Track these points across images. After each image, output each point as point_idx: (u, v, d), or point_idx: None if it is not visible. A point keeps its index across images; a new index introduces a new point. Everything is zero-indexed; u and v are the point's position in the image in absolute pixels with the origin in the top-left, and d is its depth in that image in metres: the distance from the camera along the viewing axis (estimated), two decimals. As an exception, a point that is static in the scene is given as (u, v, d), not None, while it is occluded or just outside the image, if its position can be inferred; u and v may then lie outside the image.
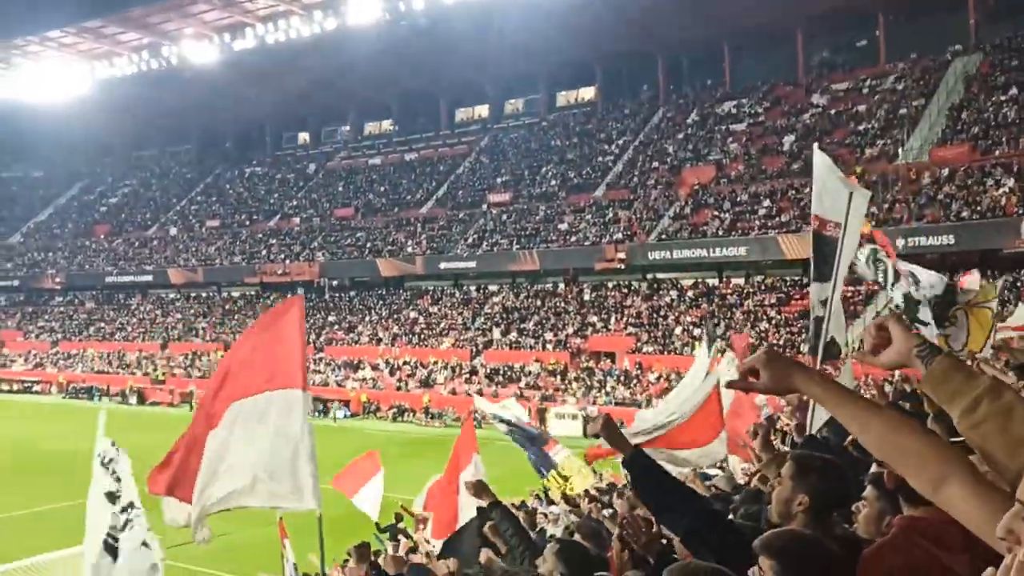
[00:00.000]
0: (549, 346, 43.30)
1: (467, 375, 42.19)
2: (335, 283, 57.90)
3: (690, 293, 43.93)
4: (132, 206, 76.41)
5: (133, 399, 46.90)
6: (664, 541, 4.04)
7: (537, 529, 10.50)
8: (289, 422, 5.54)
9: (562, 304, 47.07)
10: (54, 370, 54.99)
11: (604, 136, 57.30)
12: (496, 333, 46.22)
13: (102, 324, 62.18)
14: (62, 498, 23.08)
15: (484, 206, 55.26)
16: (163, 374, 49.94)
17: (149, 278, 64.11)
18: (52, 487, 24.33)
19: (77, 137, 78.82)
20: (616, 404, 34.97)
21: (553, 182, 54.96)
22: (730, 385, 2.11)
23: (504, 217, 53.26)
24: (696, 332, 39.92)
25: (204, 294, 62.84)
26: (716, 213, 44.55)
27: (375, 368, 45.18)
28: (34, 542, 17.05)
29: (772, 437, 5.66)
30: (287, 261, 58.11)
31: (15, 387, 53.18)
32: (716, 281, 44.34)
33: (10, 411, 43.47)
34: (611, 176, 53.00)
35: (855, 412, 1.75)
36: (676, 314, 42.36)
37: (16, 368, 56.98)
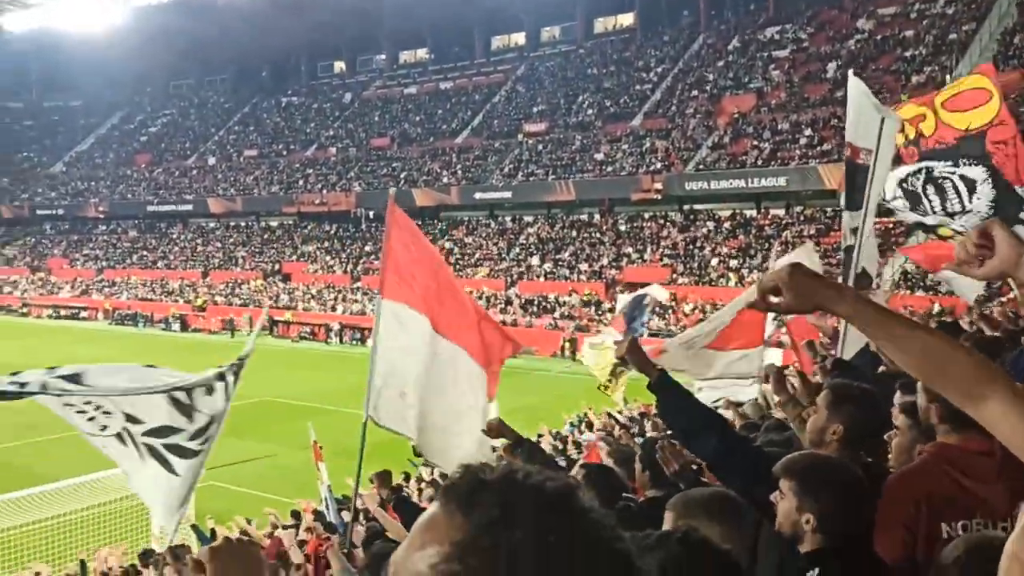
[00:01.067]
0: (584, 277, 43.32)
1: (501, 305, 42.45)
2: (371, 213, 58.07)
3: (727, 224, 43.52)
4: (171, 136, 76.93)
5: (176, 326, 47.91)
6: (695, 467, 4.10)
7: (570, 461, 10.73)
8: (476, 390, 5.53)
9: (597, 235, 46.92)
10: (100, 297, 56.23)
11: (642, 64, 56.23)
12: (531, 264, 46.31)
13: (145, 252, 63.24)
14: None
15: (519, 136, 54.81)
16: (204, 302, 50.87)
17: (189, 207, 64.87)
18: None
19: (115, 67, 78.93)
20: (650, 335, 35.02)
21: (589, 111, 54.26)
22: (751, 307, 2.10)
23: (540, 147, 52.86)
24: (732, 264, 39.72)
25: (243, 223, 63.50)
26: (755, 143, 43.81)
27: (411, 298, 45.55)
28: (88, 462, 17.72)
29: (789, 376, 5.62)
30: (324, 191, 58.39)
31: (63, 313, 54.51)
32: (754, 212, 43.84)
33: (60, 336, 44.72)
34: (649, 105, 52.17)
35: (891, 330, 1.63)
36: (712, 245, 42.07)
37: (63, 295, 58.36)
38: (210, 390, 5.47)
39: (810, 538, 2.43)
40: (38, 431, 22.56)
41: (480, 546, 0.90)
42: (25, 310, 56.43)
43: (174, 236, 64.96)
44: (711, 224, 44.05)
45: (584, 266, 44.19)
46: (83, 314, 53.84)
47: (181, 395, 5.30)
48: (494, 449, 5.50)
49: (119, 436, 5.17)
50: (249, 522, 11.07)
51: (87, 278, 60.56)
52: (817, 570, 2.35)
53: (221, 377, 5.50)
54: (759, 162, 42.29)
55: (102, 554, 10.13)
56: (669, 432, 5.33)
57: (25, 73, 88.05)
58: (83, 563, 10.64)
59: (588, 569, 0.91)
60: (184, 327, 47.76)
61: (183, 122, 78.40)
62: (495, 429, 5.29)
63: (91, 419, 5.20)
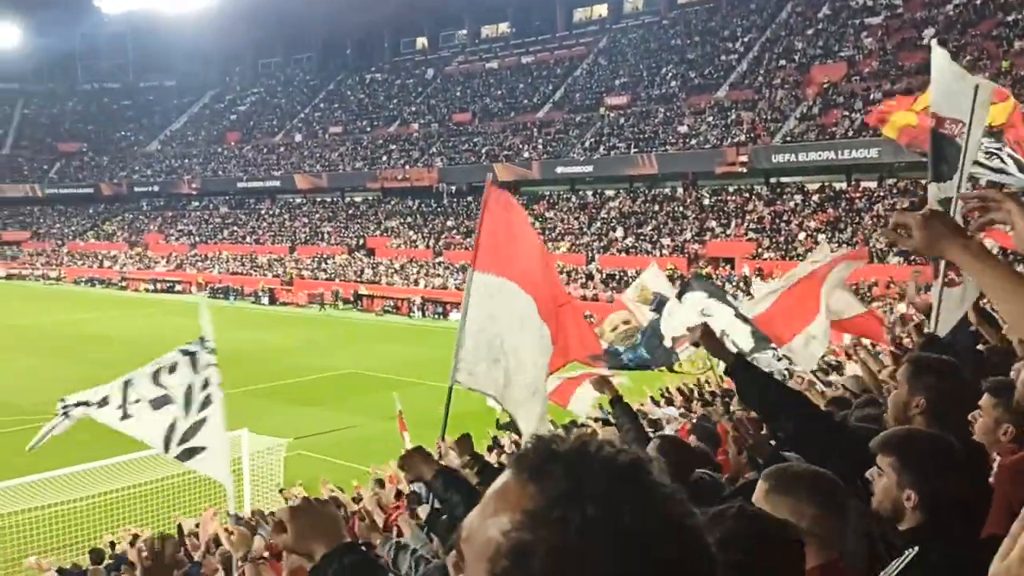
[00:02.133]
0: (666, 251, 42.81)
1: (582, 280, 42.31)
2: (453, 189, 58.49)
3: (816, 197, 42.35)
4: (259, 113, 78.76)
5: (265, 299, 49.26)
6: (773, 443, 4.05)
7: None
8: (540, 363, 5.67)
9: (680, 209, 46.26)
10: (193, 271, 58.21)
11: (728, 34, 54.92)
12: (612, 238, 45.98)
13: (235, 228, 65.09)
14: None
15: (601, 109, 54.29)
16: (291, 276, 52.17)
17: (277, 183, 66.42)
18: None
19: (206, 47, 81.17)
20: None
21: (673, 83, 53.35)
22: (882, 234, 2.03)
23: (622, 120, 52.28)
24: (820, 238, 38.67)
25: (328, 199, 64.74)
26: (846, 113, 42.42)
27: (492, 272, 45.76)
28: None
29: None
30: (406, 167, 59.00)
31: (159, 287, 56.64)
32: (844, 185, 42.55)
33: (155, 309, 46.51)
34: (734, 76, 50.99)
35: (1013, 285, 1.54)
36: (800, 219, 41.03)
37: (159, 269, 60.62)
38: (172, 369, 6.09)
39: (910, 515, 2.34)
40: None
41: (551, 516, 0.90)
42: (124, 283, 58.88)
43: (263, 212, 66.65)
44: (799, 197, 42.94)
45: (666, 240, 43.67)
46: (177, 287, 55.82)
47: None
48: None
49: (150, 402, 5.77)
50: (341, 490, 11.37)
51: (181, 253, 62.71)
52: (916, 548, 2.28)
53: (186, 353, 6.16)
54: (850, 133, 40.97)
55: (207, 516, 10.45)
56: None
57: (122, 54, 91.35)
58: (180, 527, 11.06)
59: (658, 544, 0.90)
60: (272, 300, 49.07)
61: (271, 100, 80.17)
62: (597, 383, 5.51)
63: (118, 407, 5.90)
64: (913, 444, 2.41)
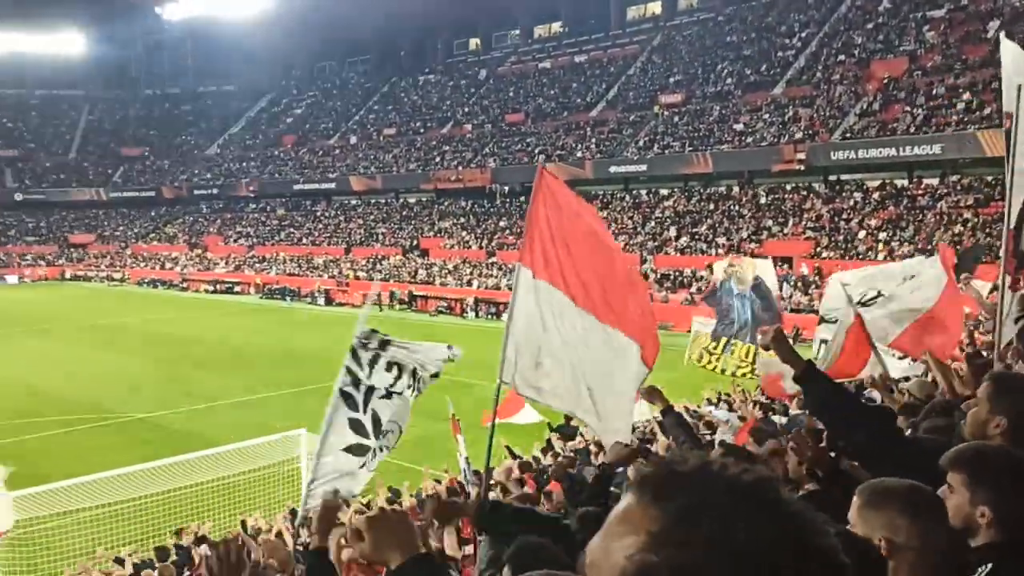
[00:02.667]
0: (721, 251, 42.25)
1: (637, 280, 41.99)
2: (506, 189, 58.60)
3: (876, 195, 41.45)
4: (315, 117, 79.85)
5: (321, 300, 49.90)
6: (833, 455, 3.95)
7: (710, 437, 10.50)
8: (628, 365, 5.46)
9: (736, 207, 45.68)
10: (251, 272, 59.24)
11: (785, 29, 54.09)
12: (666, 238, 45.59)
13: (292, 229, 66.08)
14: (275, 387, 25.21)
15: (655, 108, 53.90)
16: (347, 277, 52.78)
17: (332, 185, 67.25)
18: (266, 377, 26.59)
19: (264, 52, 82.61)
20: (792, 311, 33.90)
21: (728, 80, 52.72)
22: None
23: (676, 118, 51.83)
24: (881, 236, 37.86)
25: (383, 200, 65.34)
26: (908, 109, 41.46)
27: (546, 272, 45.71)
28: (250, 424, 18.74)
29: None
30: (460, 168, 59.26)
31: (219, 287, 57.76)
32: (906, 182, 41.58)
33: (215, 310, 47.45)
34: (792, 72, 50.20)
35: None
36: (860, 217, 40.19)
37: (218, 270, 61.84)
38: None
39: (984, 532, 2.26)
40: (193, 399, 24.02)
41: (676, 538, 0.89)
42: (184, 285, 60.18)
43: (318, 213, 67.54)
44: (858, 195, 42.08)
45: (722, 240, 43.15)
46: (236, 288, 56.86)
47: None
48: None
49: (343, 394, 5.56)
50: (394, 491, 11.44)
51: (239, 254, 63.87)
52: (990, 566, 2.20)
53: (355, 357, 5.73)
54: (911, 129, 40.03)
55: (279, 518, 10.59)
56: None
57: (183, 60, 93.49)
58: (243, 523, 11.24)
59: (786, 564, 0.88)
60: (328, 301, 49.68)
61: (326, 103, 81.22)
62: (647, 393, 5.40)
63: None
64: (986, 461, 2.32)
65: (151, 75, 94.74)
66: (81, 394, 25.00)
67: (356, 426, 5.57)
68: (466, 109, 67.48)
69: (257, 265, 60.65)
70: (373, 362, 5.55)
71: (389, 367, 5.63)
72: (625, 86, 59.07)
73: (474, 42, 77.23)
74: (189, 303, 51.44)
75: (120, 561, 9.79)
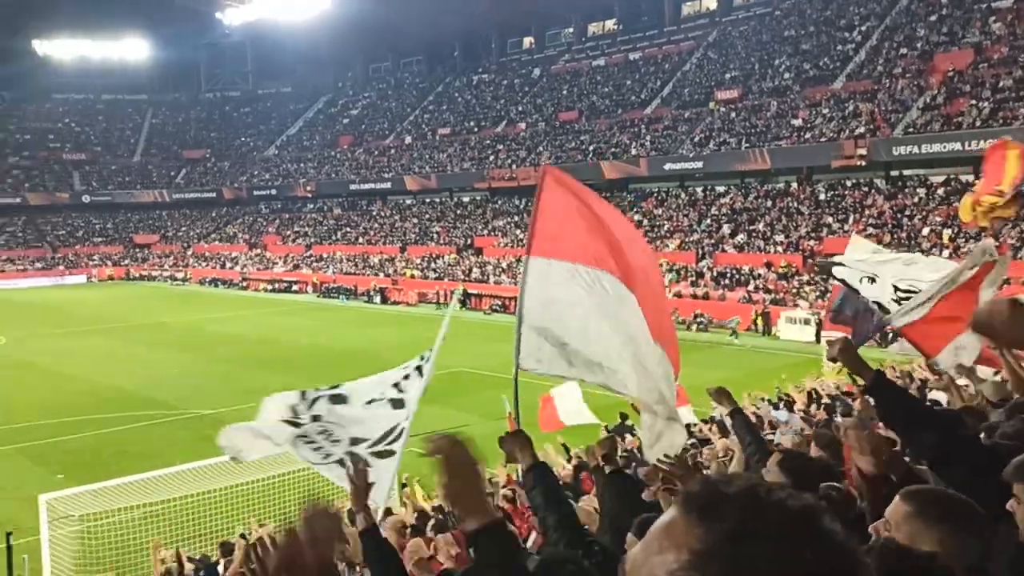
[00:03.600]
0: (780, 248, 41.67)
1: (693, 278, 41.61)
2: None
3: (940, 191, 40.41)
4: (371, 117, 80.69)
5: (377, 298, 50.40)
6: (907, 459, 3.87)
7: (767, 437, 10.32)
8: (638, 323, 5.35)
9: (794, 204, 44.94)
10: (308, 271, 60.09)
11: (845, 23, 53.04)
12: (723, 235, 45.05)
13: (348, 229, 66.86)
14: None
15: (711, 104, 53.31)
16: (410, 274, 53.24)
17: (388, 185, 67.88)
18: (323, 375, 26.94)
19: (320, 54, 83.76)
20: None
21: (786, 75, 51.89)
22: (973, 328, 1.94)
23: (732, 114, 51.18)
24: (946, 233, 36.92)
25: (437, 199, 65.74)
26: (973, 102, 40.34)
27: (600, 271, 45.52)
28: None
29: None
30: (514, 166, 59.33)
31: (277, 287, 58.73)
32: (971, 177, 40.36)
33: (274, 308, 48.24)
34: (852, 66, 49.21)
35: None
36: (923, 213, 39.24)
37: (277, 269, 62.87)
38: (407, 376, 5.87)
39: None
40: (252, 396, 24.40)
41: (719, 558, 0.89)
42: (244, 284, 61.29)
43: (374, 213, 68.24)
44: (922, 191, 41.08)
45: (780, 237, 42.50)
46: (294, 287, 57.73)
47: (395, 393, 5.79)
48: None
49: (340, 462, 5.63)
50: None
51: (297, 253, 64.83)
52: None
53: (419, 370, 5.90)
54: (977, 123, 38.95)
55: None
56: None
57: (242, 63, 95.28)
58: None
59: None
60: (384, 299, 50.16)
61: (381, 104, 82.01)
62: (715, 393, 5.30)
63: (317, 449, 5.77)
64: None
65: (212, 79, 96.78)
66: (145, 391, 25.62)
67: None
68: (520, 108, 67.54)
69: (314, 264, 61.50)
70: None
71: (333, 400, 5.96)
72: (680, 82, 58.53)
73: (528, 41, 77.27)
74: (249, 302, 52.37)
75: (189, 559, 10.01)
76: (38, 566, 11.08)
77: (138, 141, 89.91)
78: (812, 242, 40.86)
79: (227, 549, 9.90)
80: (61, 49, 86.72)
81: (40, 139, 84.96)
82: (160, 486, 12.96)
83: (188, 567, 9.90)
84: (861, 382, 3.87)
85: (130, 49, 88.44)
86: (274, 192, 77.87)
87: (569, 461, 13.07)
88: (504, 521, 1.94)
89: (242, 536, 10.44)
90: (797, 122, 46.92)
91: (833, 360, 3.84)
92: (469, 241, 56.60)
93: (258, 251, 68.38)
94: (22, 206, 77.28)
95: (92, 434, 20.61)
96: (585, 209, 5.81)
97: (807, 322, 33.17)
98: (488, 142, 64.93)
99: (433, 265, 53.93)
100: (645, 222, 49.29)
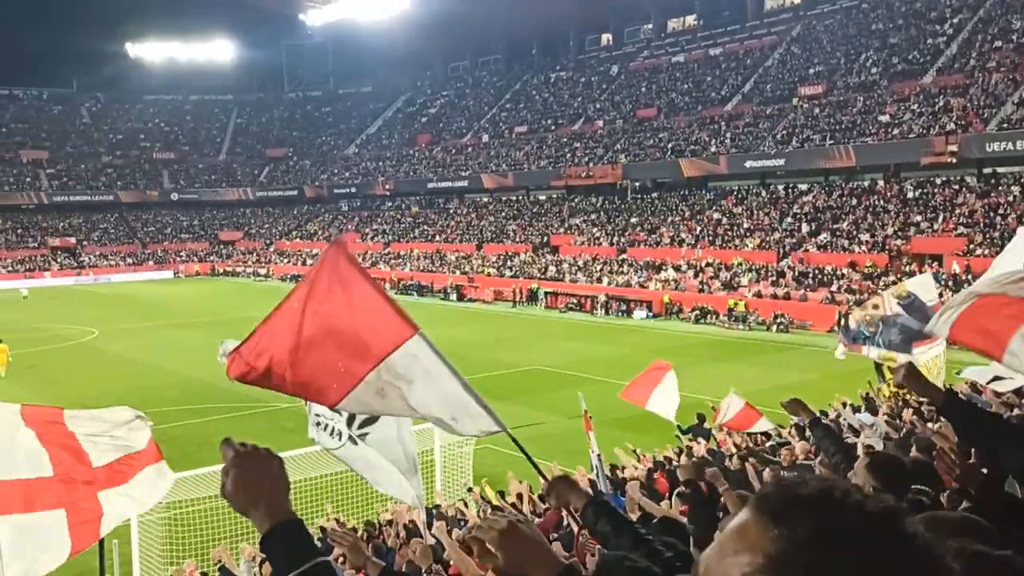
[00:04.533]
0: (864, 248, 40.51)
1: (773, 278, 40.77)
2: (637, 184, 58.07)
3: (1036, 189, 38.76)
4: (448, 116, 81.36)
5: (453, 296, 50.79)
6: (984, 471, 3.70)
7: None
8: (428, 365, 4.90)
9: (881, 203, 43.63)
10: (387, 268, 60.92)
11: (935, 15, 51.25)
12: (805, 234, 44.01)
13: (425, 227, 67.56)
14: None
15: (794, 100, 52.14)
16: (479, 273, 53.52)
17: (464, 183, 68.34)
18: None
19: (399, 53, 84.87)
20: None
21: (873, 70, 50.41)
22: None
23: (816, 111, 49.96)
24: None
25: (514, 197, 65.93)
26: (1074, 96, 38.57)
27: (677, 269, 45.06)
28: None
29: None
30: (590, 164, 59.06)
31: (355, 283, 59.64)
32: (1070, 174, 38.69)
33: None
34: (943, 60, 47.53)
35: None
36: (1018, 212, 37.63)
37: (356, 266, 63.87)
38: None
39: None
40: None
41: (795, 562, 0.87)
42: (324, 280, 62.42)
43: (451, 211, 68.79)
44: (1016, 189, 39.41)
45: (865, 236, 41.30)
46: (373, 284, 58.54)
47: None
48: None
49: (352, 439, 5.58)
50: (521, 482, 11.49)
51: (376, 251, 65.80)
52: None
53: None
54: (1078, 117, 37.22)
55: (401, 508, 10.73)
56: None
57: (324, 64, 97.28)
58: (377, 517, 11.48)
59: None
60: (460, 297, 50.51)
61: (459, 102, 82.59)
62: (791, 405, 5.15)
63: (330, 432, 5.74)
64: None
65: (294, 79, 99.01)
66: (229, 384, 26.24)
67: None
68: (597, 105, 67.21)
69: (392, 261, 62.32)
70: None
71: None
72: (762, 78, 57.41)
73: (606, 38, 76.82)
74: (328, 298, 53.27)
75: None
76: (127, 550, 11.45)
77: (223, 140, 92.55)
78: (899, 241, 39.62)
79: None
80: (152, 52, 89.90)
81: (132, 139, 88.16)
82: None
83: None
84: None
85: (217, 51, 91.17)
86: (353, 190, 79.18)
87: (639, 460, 12.94)
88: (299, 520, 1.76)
89: (321, 528, 10.59)
90: (884, 118, 45.53)
91: (900, 387, 3.73)
92: (545, 239, 56.56)
93: (338, 248, 69.56)
94: (115, 203, 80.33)
95: (179, 424, 21.27)
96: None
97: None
98: (565, 140, 64.79)
99: (509, 263, 54.07)
100: (724, 221, 48.51)
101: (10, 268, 68.24)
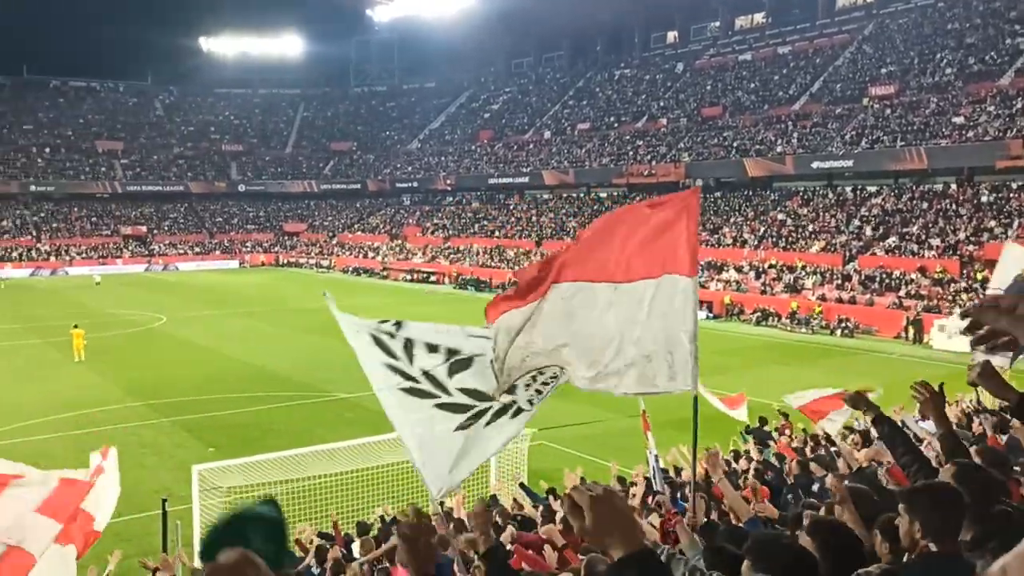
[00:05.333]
0: (934, 253, 39.43)
1: (838, 281, 39.94)
2: (700, 184, 57.39)
3: (1120, 195, 37.28)
4: (511, 112, 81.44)
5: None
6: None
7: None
8: (673, 306, 5.23)
9: (952, 206, 42.40)
10: (446, 262, 61.30)
11: (1015, 15, 49.57)
12: (873, 237, 43.01)
13: (485, 222, 67.77)
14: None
15: (864, 100, 50.98)
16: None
17: (525, 179, 68.36)
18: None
19: (463, 49, 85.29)
20: None
21: (948, 70, 49.00)
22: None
23: (887, 111, 48.77)
24: (1125, 241, 33.96)
25: (574, 194, 65.71)
26: None
27: (739, 270, 44.44)
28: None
29: None
30: (653, 162, 58.58)
31: (415, 277, 60.21)
32: None
33: (411, 297, 49.46)
34: (1022, 61, 45.98)
35: None
36: (1099, 220, 36.27)
37: (416, 260, 64.46)
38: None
39: None
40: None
41: None
42: (385, 273, 63.15)
43: (511, 207, 68.87)
44: (1098, 195, 38.00)
45: (935, 241, 40.19)
46: (432, 278, 59.01)
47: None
48: None
49: (411, 391, 5.54)
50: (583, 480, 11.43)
51: (436, 245, 66.24)
52: None
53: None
54: None
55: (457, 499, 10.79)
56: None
57: (389, 60, 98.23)
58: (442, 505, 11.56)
59: None
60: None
61: (522, 99, 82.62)
62: (853, 398, 5.04)
63: (394, 370, 5.63)
64: None
65: (360, 74, 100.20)
66: (291, 372, 26.78)
67: (452, 408, 5.52)
68: (661, 103, 66.62)
69: (452, 256, 62.66)
70: (408, 348, 5.58)
71: (430, 348, 5.64)
72: (832, 78, 56.25)
73: (672, 35, 76.10)
74: (389, 291, 53.91)
75: (326, 536, 10.33)
76: (189, 532, 11.73)
77: (290, 134, 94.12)
78: (972, 247, 38.47)
79: (363, 529, 10.17)
80: (224, 46, 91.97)
81: (202, 131, 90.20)
82: (302, 464, 13.48)
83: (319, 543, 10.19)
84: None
85: (286, 46, 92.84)
86: (415, 185, 79.81)
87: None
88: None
89: (381, 518, 10.69)
90: (959, 120, 44.24)
91: (974, 385, 3.59)
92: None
93: (399, 242, 70.28)
94: (185, 193, 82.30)
95: (242, 411, 21.70)
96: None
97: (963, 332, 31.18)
98: (627, 138, 64.37)
99: (568, 260, 53.86)
100: (789, 222, 47.68)
101: (84, 255, 70.43)
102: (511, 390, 5.42)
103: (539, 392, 5.56)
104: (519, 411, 5.51)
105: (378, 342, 5.67)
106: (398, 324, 5.78)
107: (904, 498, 3.10)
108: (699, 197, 5.58)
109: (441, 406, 5.54)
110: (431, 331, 5.82)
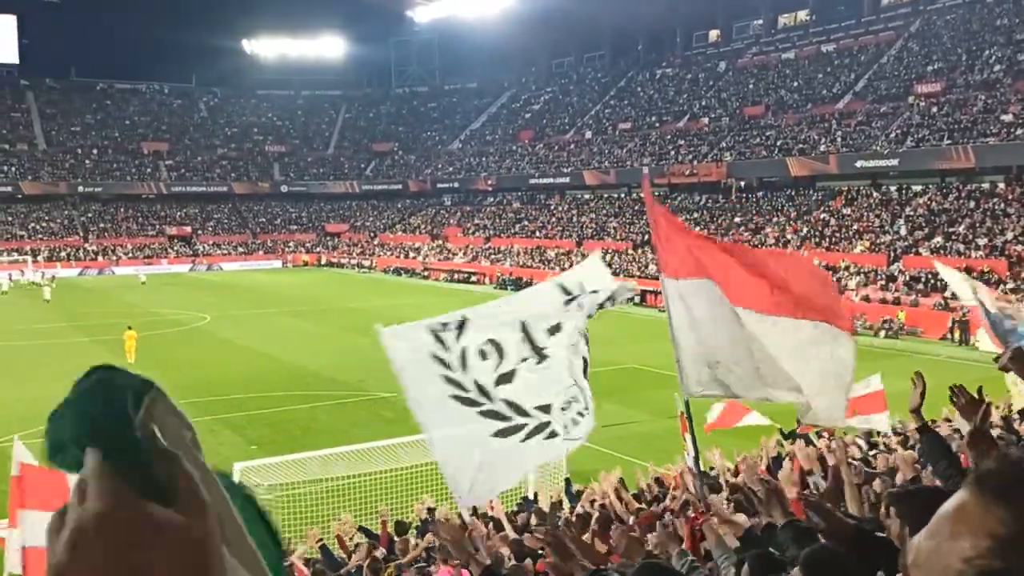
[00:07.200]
0: (981, 253, 38.67)
1: (883, 282, 39.35)
2: (742, 183, 56.91)
3: None
4: (552, 112, 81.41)
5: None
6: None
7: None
8: (843, 354, 5.63)
9: (1001, 206, 41.55)
10: (487, 263, 61.47)
11: (1068, 8, 48.52)
12: (919, 237, 42.30)
13: (526, 222, 67.83)
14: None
15: (910, 98, 50.16)
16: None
17: (566, 180, 68.31)
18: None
19: (505, 50, 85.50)
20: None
21: (997, 67, 48.02)
22: None
23: (934, 109, 47.94)
24: None
25: (615, 195, 65.50)
26: None
27: (782, 271, 43.95)
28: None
29: None
30: (694, 162, 58.20)
31: (456, 277, 60.48)
32: None
33: (452, 298, 49.69)
34: (1075, 56, 44.96)
35: None
36: None
37: (457, 260, 64.74)
38: (556, 329, 5.76)
39: None
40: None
41: None
42: (425, 273, 63.52)
43: (552, 207, 68.85)
44: None
45: (982, 241, 39.42)
46: (473, 278, 59.23)
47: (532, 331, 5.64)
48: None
49: (459, 399, 5.51)
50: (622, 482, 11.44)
51: (476, 245, 66.44)
52: None
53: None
54: None
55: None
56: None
57: (430, 60, 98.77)
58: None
59: None
60: (561, 293, 50.49)
61: (563, 99, 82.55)
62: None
63: (449, 380, 5.54)
64: None
65: (401, 75, 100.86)
66: (332, 371, 27.07)
67: (493, 415, 5.50)
68: (703, 102, 66.15)
69: (493, 256, 62.81)
70: (463, 357, 5.50)
71: (483, 355, 5.51)
72: (876, 75, 55.43)
73: (714, 34, 75.53)
74: (430, 291, 54.19)
75: (366, 531, 10.46)
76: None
77: (332, 135, 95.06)
78: (1019, 247, 37.67)
79: (402, 528, 10.28)
80: (266, 48, 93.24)
81: (245, 132, 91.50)
82: (342, 463, 13.65)
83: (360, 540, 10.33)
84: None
85: (327, 47, 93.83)
86: (456, 185, 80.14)
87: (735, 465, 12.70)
88: None
89: (429, 509, 10.79)
90: (1007, 118, 43.34)
91: (1005, 369, 3.55)
92: (646, 237, 55.98)
93: (440, 242, 70.62)
94: (228, 194, 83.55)
95: (283, 409, 22.01)
96: (664, 221, 6.07)
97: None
98: (669, 137, 64.03)
99: (609, 260, 53.77)
100: (833, 222, 47.09)
101: (130, 255, 71.83)
102: (547, 409, 5.48)
103: (575, 423, 5.65)
104: (553, 434, 5.57)
105: (435, 357, 5.58)
106: (461, 325, 5.64)
107: (894, 501, 3.08)
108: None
109: (485, 413, 5.58)
110: (492, 326, 5.76)
